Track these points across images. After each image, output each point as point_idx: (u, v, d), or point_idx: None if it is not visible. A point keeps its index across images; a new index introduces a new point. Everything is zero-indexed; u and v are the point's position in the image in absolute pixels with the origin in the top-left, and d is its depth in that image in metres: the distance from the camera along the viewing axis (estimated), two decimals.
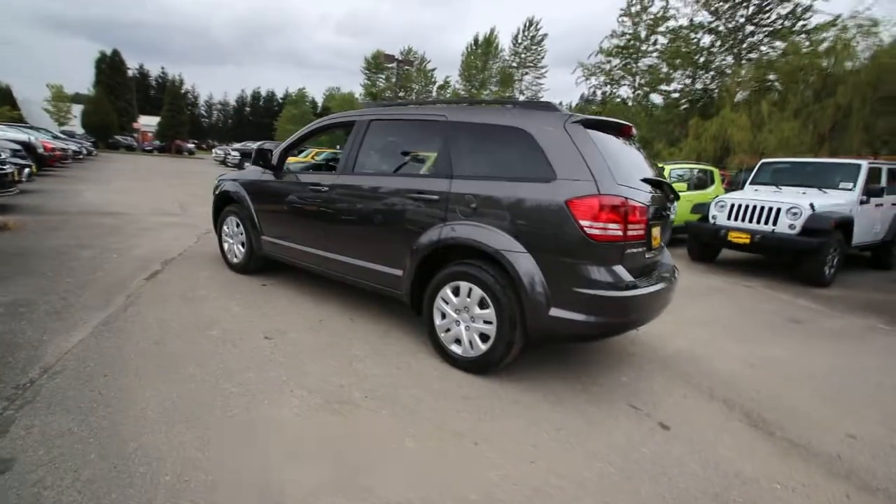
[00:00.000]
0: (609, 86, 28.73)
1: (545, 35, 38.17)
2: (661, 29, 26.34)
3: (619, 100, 28.25)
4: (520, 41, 38.20)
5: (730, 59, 24.11)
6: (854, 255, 7.31)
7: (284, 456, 1.96)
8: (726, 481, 2.04)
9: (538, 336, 2.63)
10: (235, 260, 4.58)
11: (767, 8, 23.53)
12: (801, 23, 22.34)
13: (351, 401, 2.43)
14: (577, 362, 3.15)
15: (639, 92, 27.69)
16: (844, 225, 6.11)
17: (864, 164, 6.57)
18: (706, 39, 24.40)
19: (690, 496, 1.92)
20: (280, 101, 71.60)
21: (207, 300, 3.78)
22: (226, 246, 4.69)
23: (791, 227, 5.97)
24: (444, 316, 2.94)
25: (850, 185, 6.49)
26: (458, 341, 2.89)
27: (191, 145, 44.63)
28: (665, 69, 26.24)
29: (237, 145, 29.75)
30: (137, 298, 3.67)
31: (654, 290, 2.64)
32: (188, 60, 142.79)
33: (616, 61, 28.51)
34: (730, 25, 23.82)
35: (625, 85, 28.59)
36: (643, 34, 27.50)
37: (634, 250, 2.60)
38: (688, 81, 25.08)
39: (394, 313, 3.78)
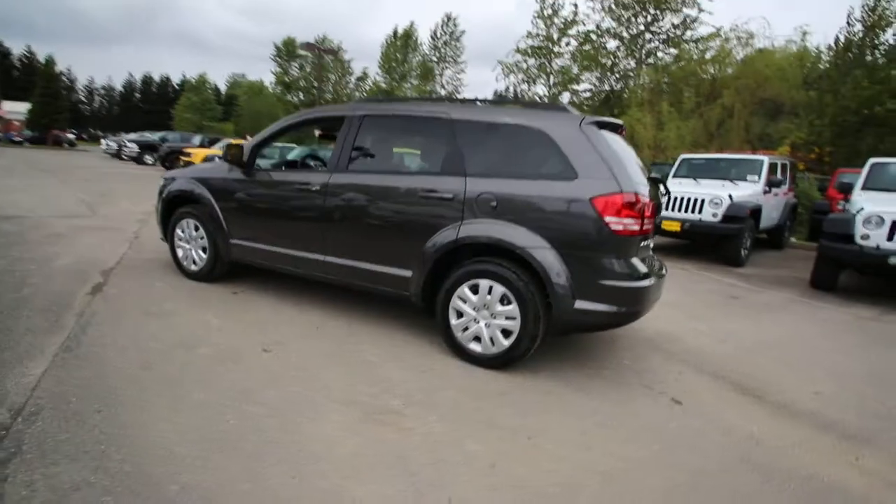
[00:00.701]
0: (526, 83, 30.05)
1: (463, 31, 38.86)
2: (572, 32, 28.05)
3: (537, 97, 29.67)
4: (439, 36, 38.44)
5: (632, 62, 26.41)
6: (757, 238, 8.49)
7: (348, 474, 1.85)
8: (745, 444, 2.30)
9: (562, 328, 2.74)
10: (194, 267, 4.13)
11: (661, 17, 26.13)
12: (689, 32, 25.18)
13: (391, 409, 2.34)
14: (575, 348, 3.32)
15: (553, 91, 29.32)
16: (756, 212, 7.06)
17: (766, 160, 7.65)
18: (612, 44, 26.47)
19: (725, 462, 2.14)
20: (177, 87, 64.95)
21: (178, 314, 3.38)
22: (180, 252, 4.21)
23: (714, 215, 6.73)
24: (460, 315, 2.93)
25: (756, 177, 7.51)
26: (477, 339, 2.90)
27: (70, 136, 38.88)
28: (575, 70, 28.04)
29: (132, 136, 26.48)
30: (93, 317, 3.18)
31: (659, 280, 2.87)
32: (59, 39, 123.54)
33: (532, 61, 29.86)
34: (632, 32, 26.04)
35: (540, 83, 30.09)
36: (555, 36, 29.08)
37: (644, 243, 2.80)
38: (596, 83, 27.05)
39: (392, 315, 3.67)
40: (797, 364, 3.41)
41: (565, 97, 29.18)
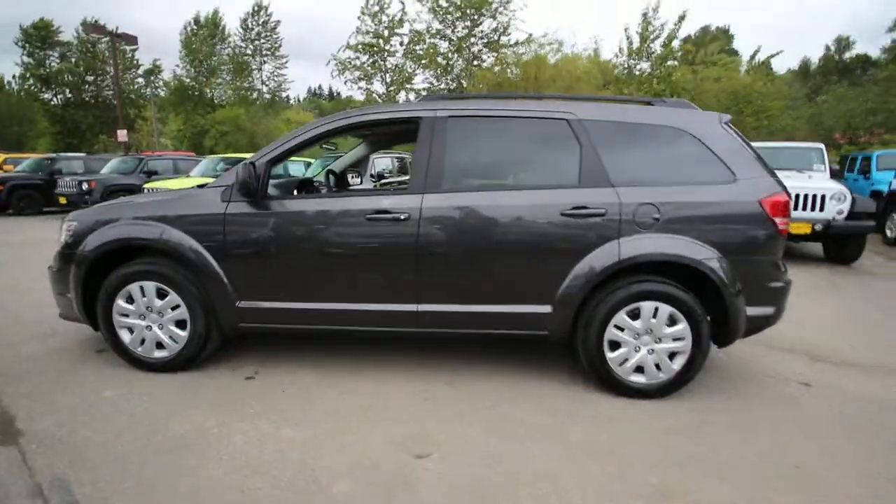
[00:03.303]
0: (363, 81, 29.36)
1: (278, 21, 35.60)
2: (403, 31, 28.38)
3: (374, 95, 29.29)
4: (250, 26, 34.44)
5: (462, 63, 28.15)
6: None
7: None
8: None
9: (727, 340, 2.62)
10: (162, 353, 2.72)
11: (479, 22, 28.44)
12: (504, 37, 28.00)
13: (662, 487, 1.87)
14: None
15: (391, 89, 29.36)
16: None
17: (822, 147, 7.10)
18: (443, 45, 27.69)
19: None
20: None
21: (196, 445, 2.15)
22: (127, 336, 2.71)
23: (839, 212, 5.88)
24: (614, 346, 2.56)
25: (821, 166, 6.94)
26: (639, 369, 2.57)
27: None
28: (410, 69, 28.55)
29: None
30: (54, 450, 1.77)
31: None
32: None
33: (365, 58, 29.27)
34: (458, 34, 27.68)
35: (376, 81, 29.77)
36: (385, 34, 29.02)
37: None
38: (434, 81, 28.04)
39: (489, 359, 3.01)
40: None
41: (402, 96, 29.54)
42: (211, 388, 2.59)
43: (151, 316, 2.68)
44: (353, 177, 4.31)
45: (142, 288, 2.64)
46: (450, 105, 2.64)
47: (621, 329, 2.53)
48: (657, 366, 2.55)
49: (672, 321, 2.50)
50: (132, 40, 17.64)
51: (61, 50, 33.10)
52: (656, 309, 2.49)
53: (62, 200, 10.72)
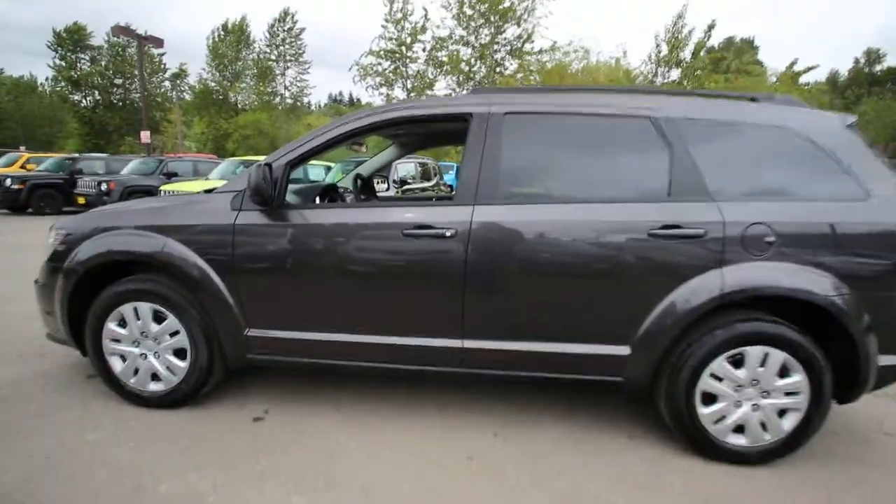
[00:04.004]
0: (384, 87, 29.27)
1: (303, 28, 35.98)
2: (425, 38, 28.25)
3: (395, 101, 29.15)
4: (277, 32, 34.84)
5: (484, 69, 27.83)
6: None
7: None
8: None
9: (853, 396, 2.08)
10: (158, 386, 2.31)
11: (503, 30, 28.12)
12: (528, 44, 27.59)
13: None
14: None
15: (412, 94, 29.18)
16: None
17: None
18: (465, 51, 27.43)
19: None
20: None
21: None
22: (118, 365, 2.31)
23: None
24: (709, 399, 2.04)
25: None
26: (739, 429, 2.05)
27: None
28: (431, 75, 28.33)
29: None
30: None
31: None
32: None
33: (387, 64, 29.21)
34: (481, 41, 27.39)
35: (398, 87, 29.64)
36: (408, 41, 28.94)
37: None
38: (456, 87, 27.75)
39: (543, 403, 2.52)
40: None
41: None
42: (212, 432, 2.15)
43: (147, 343, 2.27)
44: (378, 182, 3.88)
45: (136, 310, 2.24)
46: (507, 99, 2.18)
47: (719, 379, 2.02)
48: (762, 425, 2.03)
49: (784, 371, 1.99)
50: (159, 43, 17.73)
51: (92, 53, 33.97)
52: (766, 355, 1.97)
53: (81, 201, 10.60)
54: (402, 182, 8.92)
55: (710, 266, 1.95)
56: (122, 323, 2.27)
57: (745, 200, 1.99)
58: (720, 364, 2.00)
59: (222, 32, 33.11)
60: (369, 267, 2.12)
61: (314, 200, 2.73)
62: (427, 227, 2.04)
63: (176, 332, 2.24)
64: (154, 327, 2.24)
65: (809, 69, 25.14)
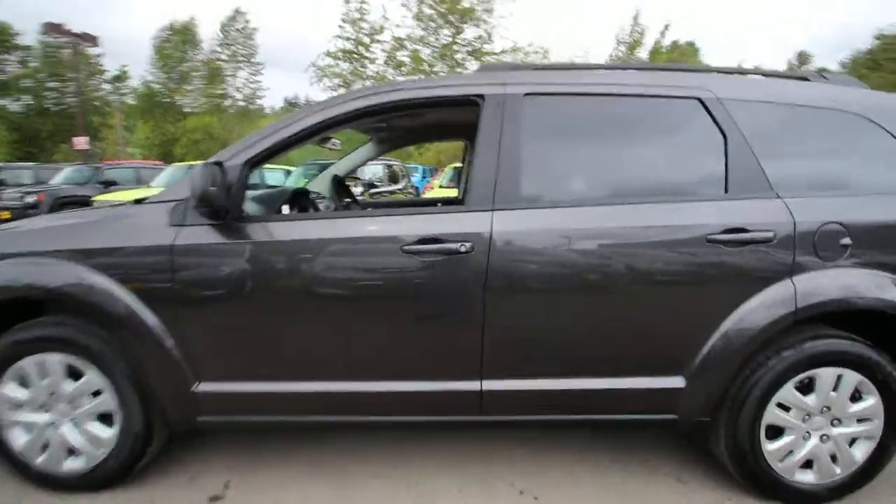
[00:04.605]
0: (342, 88, 28.45)
1: (256, 29, 34.41)
2: (385, 38, 27.69)
3: None
4: (228, 32, 33.16)
5: (445, 70, 27.54)
6: None
7: None
8: None
9: None
10: (76, 464, 1.74)
11: (462, 30, 27.97)
12: (488, 45, 27.56)
13: None
14: None
15: None
16: None
17: None
18: (426, 52, 27.06)
19: None
20: None
21: None
22: (20, 439, 1.73)
23: None
24: (775, 433, 1.72)
25: None
26: (807, 464, 1.74)
27: None
28: (391, 76, 27.77)
29: None
30: None
31: None
32: None
33: (345, 65, 28.42)
34: (442, 42, 27.11)
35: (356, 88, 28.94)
36: (367, 41, 28.28)
37: None
38: None
39: (568, 441, 2.11)
40: None
41: None
42: None
43: (59, 407, 1.70)
44: (353, 186, 3.38)
45: (42, 364, 1.67)
46: (524, 78, 1.76)
47: (786, 408, 1.70)
48: (833, 457, 1.73)
49: (857, 394, 1.69)
50: (93, 41, 16.30)
51: (21, 54, 31.18)
52: (838, 377, 1.67)
53: (5, 215, 9.39)
54: (370, 185, 8.38)
55: (779, 276, 1.61)
56: (24, 382, 1.70)
57: (812, 195, 1.67)
58: (789, 391, 1.68)
59: (168, 32, 31.20)
60: (359, 295, 1.65)
61: (280, 210, 2.21)
62: (434, 240, 1.59)
63: (98, 392, 1.69)
64: (68, 386, 1.68)
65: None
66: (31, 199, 9.42)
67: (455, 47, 27.35)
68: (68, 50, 27.47)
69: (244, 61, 34.20)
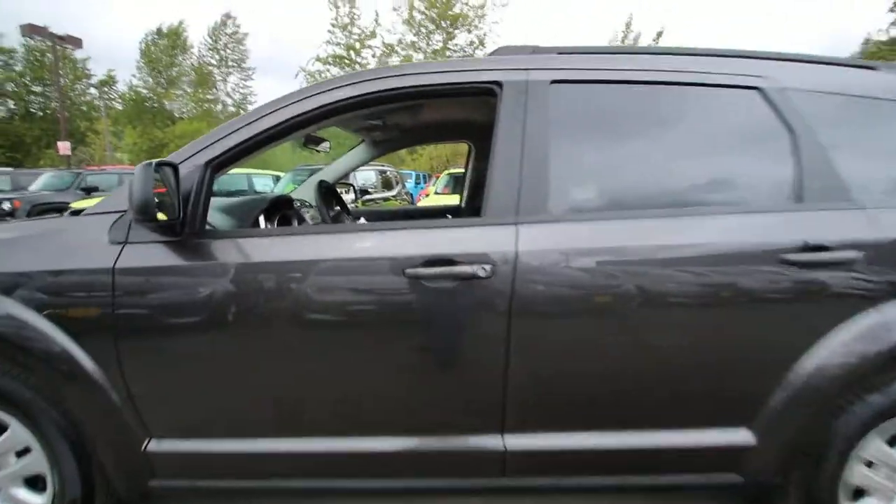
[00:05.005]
0: None
1: (246, 34, 34.08)
2: (375, 43, 27.56)
3: None
4: (219, 37, 32.78)
5: None
6: None
7: None
8: None
9: None
10: None
11: (454, 35, 27.88)
12: (480, 50, 27.46)
13: None
14: None
15: None
16: None
17: None
18: (418, 57, 26.89)
19: None
20: None
21: None
22: None
23: None
24: (858, 494, 1.42)
25: None
26: None
27: None
28: None
29: None
30: None
31: None
32: None
33: (336, 70, 28.24)
34: (434, 47, 26.99)
35: None
36: (357, 45, 28.14)
37: None
38: None
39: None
40: None
41: None
42: None
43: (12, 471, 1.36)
44: (344, 192, 3.07)
45: None
46: (551, 63, 1.46)
47: (869, 465, 1.40)
48: None
49: None
50: (77, 43, 15.87)
51: (4, 58, 30.55)
52: None
53: None
54: (363, 192, 8.03)
55: (865, 304, 1.32)
56: None
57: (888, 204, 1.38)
58: (875, 444, 1.38)
59: (156, 36, 30.73)
60: (351, 331, 1.33)
61: (256, 223, 1.86)
62: (444, 261, 1.27)
63: (26, 451, 1.35)
64: None
65: None
66: (7, 206, 9.00)
67: (447, 53, 27.30)
68: (50, 54, 26.98)
69: (234, 66, 33.82)
